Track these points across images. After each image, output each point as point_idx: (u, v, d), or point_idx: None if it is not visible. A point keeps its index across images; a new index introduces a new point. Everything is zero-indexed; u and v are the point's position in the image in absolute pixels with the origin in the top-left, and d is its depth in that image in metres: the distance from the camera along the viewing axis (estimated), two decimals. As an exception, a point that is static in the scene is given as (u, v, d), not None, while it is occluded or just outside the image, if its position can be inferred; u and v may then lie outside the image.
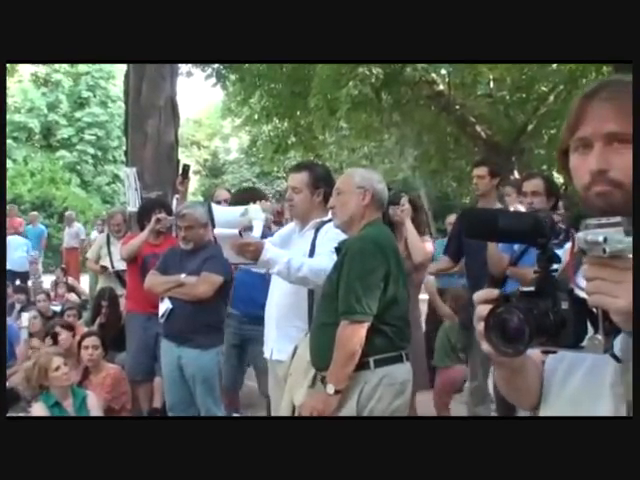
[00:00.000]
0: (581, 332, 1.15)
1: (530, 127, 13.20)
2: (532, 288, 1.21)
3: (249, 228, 3.68)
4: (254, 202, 4.57)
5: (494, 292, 1.24)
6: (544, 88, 12.61)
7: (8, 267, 10.29)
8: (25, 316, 6.78)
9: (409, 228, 4.75)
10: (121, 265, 6.55)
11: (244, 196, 5.16)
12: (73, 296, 9.65)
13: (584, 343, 1.14)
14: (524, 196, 4.43)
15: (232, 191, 6.91)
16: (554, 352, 1.23)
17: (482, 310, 1.22)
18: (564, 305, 1.16)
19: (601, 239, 1.04)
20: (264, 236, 3.99)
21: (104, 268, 7.22)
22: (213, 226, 3.79)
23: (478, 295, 1.25)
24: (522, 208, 4.31)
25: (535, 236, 1.23)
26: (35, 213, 17.38)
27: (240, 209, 3.94)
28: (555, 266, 1.23)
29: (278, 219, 5.81)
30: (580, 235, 1.07)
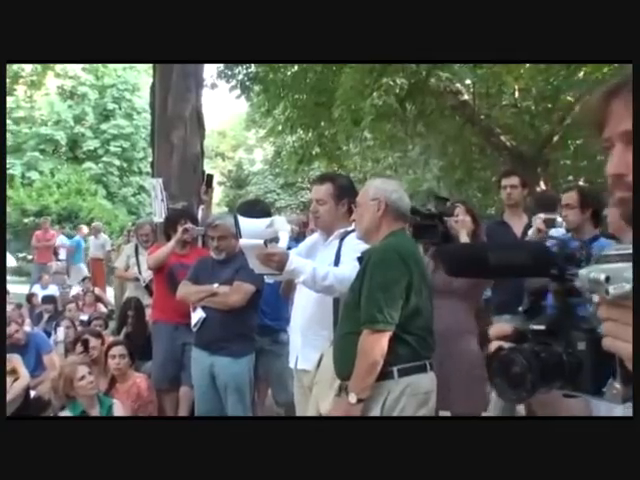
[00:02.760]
0: (602, 377, 1.00)
1: (556, 137, 12.95)
2: (543, 326, 1.07)
3: (275, 239, 3.70)
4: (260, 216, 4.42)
5: (507, 328, 1.12)
6: (570, 98, 12.45)
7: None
8: (61, 330, 6.86)
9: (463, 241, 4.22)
10: (148, 274, 6.59)
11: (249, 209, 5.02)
12: (101, 306, 9.75)
13: (605, 389, 1.00)
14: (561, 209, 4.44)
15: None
16: (577, 396, 1.09)
17: (493, 347, 1.12)
18: (580, 346, 1.02)
19: (603, 278, 0.85)
20: (288, 248, 3.99)
21: (136, 277, 7.28)
22: (239, 237, 3.81)
23: (493, 330, 1.16)
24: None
25: (542, 267, 1.07)
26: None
27: (266, 221, 3.95)
28: (575, 299, 1.06)
29: (303, 230, 5.80)
30: (582, 272, 0.90)
